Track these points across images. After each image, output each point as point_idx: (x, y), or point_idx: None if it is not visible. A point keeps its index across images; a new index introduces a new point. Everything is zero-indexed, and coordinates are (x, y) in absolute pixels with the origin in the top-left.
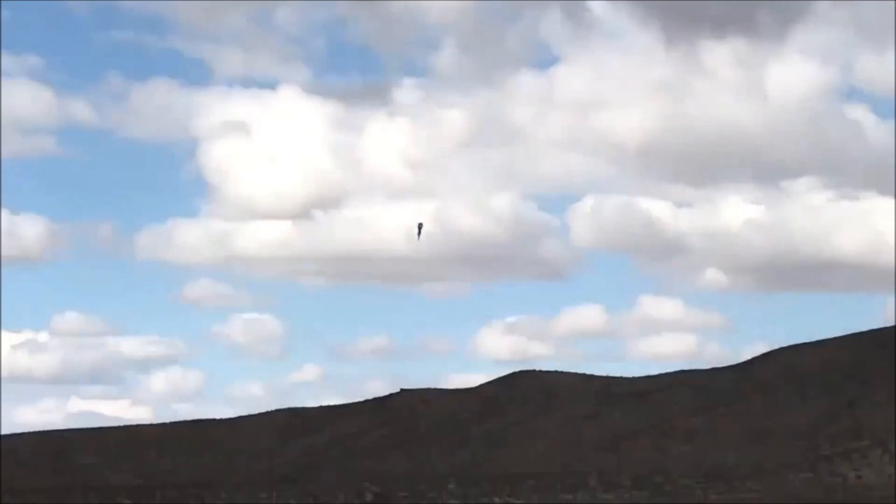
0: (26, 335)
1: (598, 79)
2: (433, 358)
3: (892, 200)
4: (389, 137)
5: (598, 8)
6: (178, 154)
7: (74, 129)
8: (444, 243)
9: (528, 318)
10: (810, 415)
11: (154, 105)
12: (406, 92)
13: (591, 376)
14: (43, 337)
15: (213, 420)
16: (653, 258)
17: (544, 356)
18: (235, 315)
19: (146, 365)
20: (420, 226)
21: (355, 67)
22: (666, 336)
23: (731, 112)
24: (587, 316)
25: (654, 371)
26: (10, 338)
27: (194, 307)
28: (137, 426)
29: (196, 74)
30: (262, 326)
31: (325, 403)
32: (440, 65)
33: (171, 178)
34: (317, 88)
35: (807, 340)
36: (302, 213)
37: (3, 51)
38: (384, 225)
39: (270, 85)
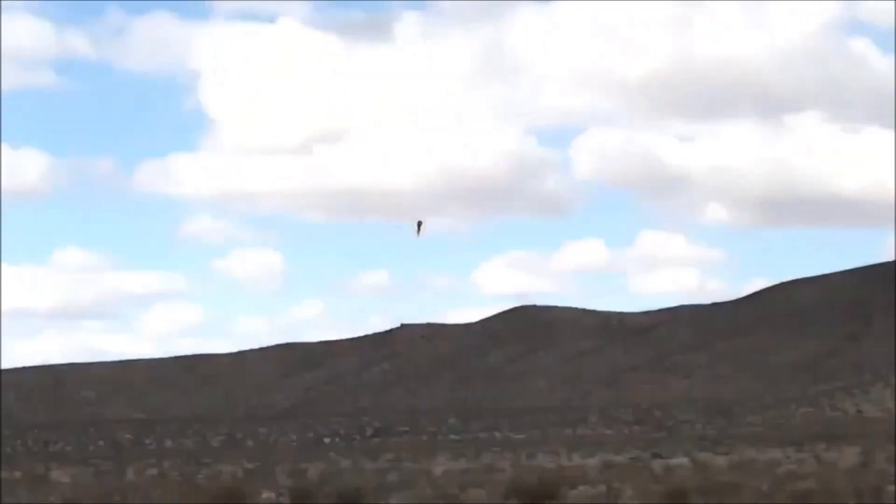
0: (27, 269)
1: (601, 12)
2: (434, 293)
3: (893, 134)
4: (390, 71)
5: None
6: (178, 88)
7: (73, 62)
8: (444, 178)
9: (529, 253)
10: (811, 349)
11: (154, 39)
12: (407, 25)
13: (592, 311)
14: (44, 271)
15: (214, 355)
16: (654, 193)
17: (545, 291)
18: (236, 250)
19: (147, 300)
20: (419, 223)
21: (355, 0)
22: (667, 271)
23: (733, 46)
24: (588, 251)
25: (655, 306)
26: (10, 272)
27: (195, 242)
28: (138, 361)
29: (195, 8)
30: (263, 261)
31: (325, 338)
32: None
33: (170, 112)
34: (317, 22)
35: (808, 275)
36: (302, 148)
37: None
38: (385, 160)
39: (270, 18)
